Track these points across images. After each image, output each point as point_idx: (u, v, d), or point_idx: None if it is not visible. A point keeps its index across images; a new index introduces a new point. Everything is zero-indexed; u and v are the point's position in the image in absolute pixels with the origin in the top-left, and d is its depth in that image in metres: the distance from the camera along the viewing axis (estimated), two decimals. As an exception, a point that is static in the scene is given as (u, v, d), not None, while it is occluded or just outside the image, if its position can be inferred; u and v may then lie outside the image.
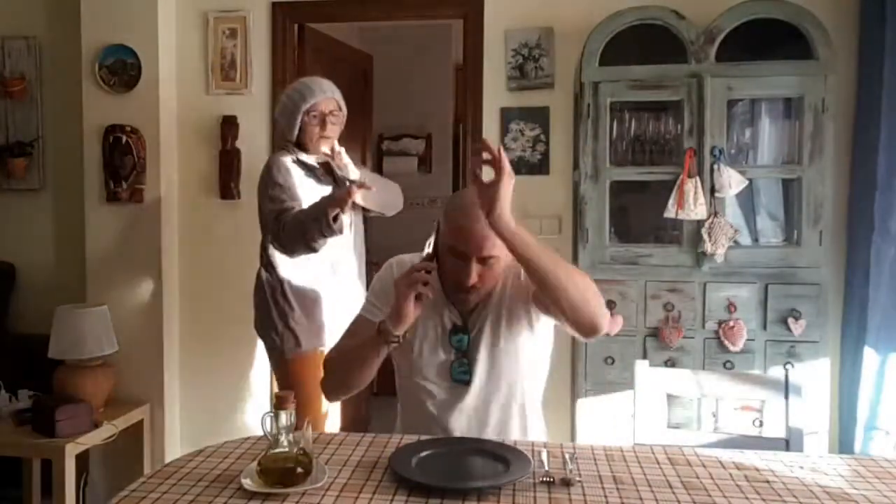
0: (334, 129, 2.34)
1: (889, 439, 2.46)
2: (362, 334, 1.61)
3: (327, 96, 2.32)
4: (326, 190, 2.31)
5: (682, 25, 2.49)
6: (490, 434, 1.59)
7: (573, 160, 2.82)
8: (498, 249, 1.51)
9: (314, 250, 2.20)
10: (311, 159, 2.36)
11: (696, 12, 2.51)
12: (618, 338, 2.49)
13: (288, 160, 2.34)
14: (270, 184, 2.29)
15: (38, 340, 2.73)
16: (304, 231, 2.16)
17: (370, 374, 1.60)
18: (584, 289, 1.43)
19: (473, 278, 1.53)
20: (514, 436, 1.61)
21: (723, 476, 1.33)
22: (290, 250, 2.26)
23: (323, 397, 1.76)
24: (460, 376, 1.61)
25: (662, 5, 2.52)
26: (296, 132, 2.34)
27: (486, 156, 1.36)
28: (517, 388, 1.63)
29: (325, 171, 2.37)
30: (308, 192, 2.31)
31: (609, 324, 1.53)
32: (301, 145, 2.37)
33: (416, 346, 1.63)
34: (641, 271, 2.51)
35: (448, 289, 1.61)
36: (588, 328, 1.46)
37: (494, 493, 1.22)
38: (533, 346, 1.64)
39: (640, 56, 2.50)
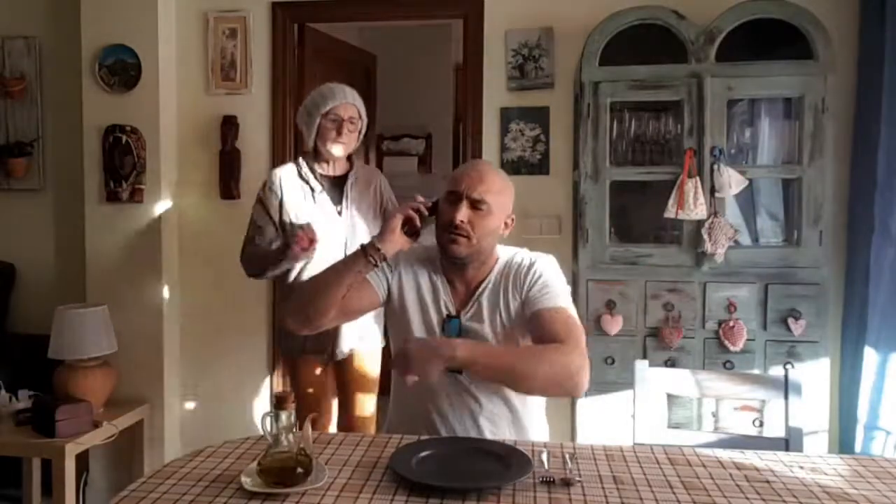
0: (351, 136, 2.33)
1: (889, 439, 2.46)
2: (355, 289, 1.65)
3: (347, 101, 2.32)
4: (322, 212, 2.33)
5: (682, 25, 2.48)
6: (483, 423, 1.59)
7: (573, 160, 2.82)
8: (491, 197, 1.60)
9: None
10: (319, 169, 2.36)
11: (696, 12, 2.51)
12: (618, 338, 2.50)
13: (285, 173, 2.35)
14: (257, 198, 2.38)
15: (38, 340, 2.73)
16: (259, 267, 2.33)
17: (338, 292, 1.59)
18: (553, 373, 1.43)
19: (462, 215, 1.58)
20: (504, 427, 1.61)
21: (723, 476, 1.33)
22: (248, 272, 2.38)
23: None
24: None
25: (662, 5, 2.52)
26: (313, 135, 2.33)
27: None
28: None
29: (332, 185, 2.37)
30: (299, 209, 2.32)
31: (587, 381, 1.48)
32: (318, 153, 2.37)
33: (412, 330, 1.64)
34: (641, 271, 2.51)
35: (441, 240, 1.63)
36: (567, 395, 1.50)
37: (494, 493, 1.22)
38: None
39: (640, 56, 2.50)
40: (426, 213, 1.65)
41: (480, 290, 1.65)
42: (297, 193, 2.34)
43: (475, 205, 1.59)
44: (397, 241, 1.62)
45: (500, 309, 1.63)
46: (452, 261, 1.64)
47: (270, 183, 2.35)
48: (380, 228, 1.66)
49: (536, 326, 1.55)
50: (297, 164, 2.38)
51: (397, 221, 1.61)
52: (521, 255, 1.69)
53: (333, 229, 2.33)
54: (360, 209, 2.40)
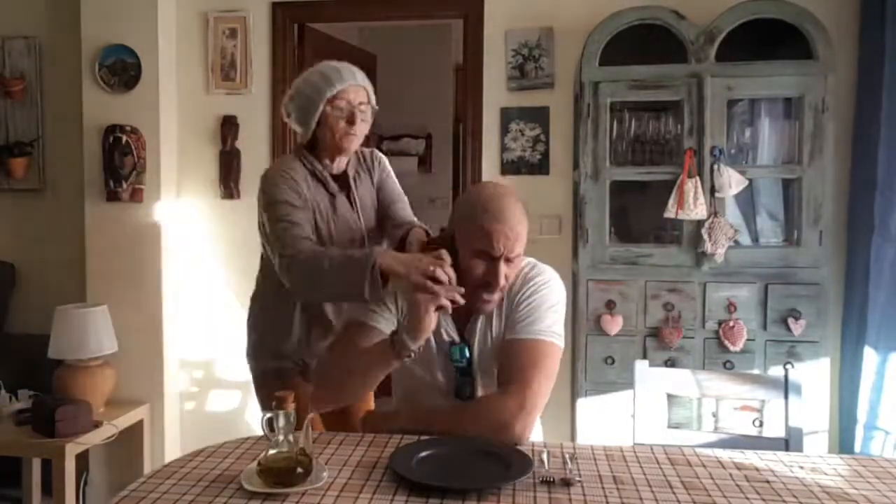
0: (363, 126, 1.86)
1: (889, 439, 2.45)
2: (363, 343, 1.52)
3: (358, 83, 1.85)
4: (344, 222, 1.86)
5: (682, 25, 2.49)
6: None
7: (573, 160, 2.82)
8: (520, 245, 1.49)
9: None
10: (324, 168, 1.87)
11: (696, 12, 2.51)
12: (618, 338, 2.50)
13: (298, 174, 1.82)
14: (269, 186, 1.79)
15: (38, 340, 2.73)
16: (343, 283, 1.61)
17: (370, 388, 1.55)
18: (482, 428, 1.40)
19: (503, 278, 1.47)
20: None
21: (723, 476, 1.32)
22: (298, 292, 1.75)
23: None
24: (463, 393, 1.56)
25: (662, 5, 2.52)
26: (312, 127, 1.83)
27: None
28: None
29: (341, 187, 1.90)
30: (327, 223, 1.85)
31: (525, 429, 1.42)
32: (315, 152, 1.88)
33: (414, 369, 1.56)
34: (641, 271, 2.51)
35: (472, 298, 1.48)
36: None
37: (494, 493, 1.21)
38: None
39: (640, 56, 2.50)
40: (461, 300, 1.42)
41: (480, 314, 1.56)
42: (323, 199, 1.85)
43: (510, 260, 1.49)
44: (431, 330, 1.43)
45: (492, 326, 1.56)
46: None
47: (290, 180, 1.79)
48: (409, 322, 1.42)
49: (503, 356, 1.49)
50: (305, 161, 1.85)
51: (430, 318, 1.40)
52: (523, 271, 1.58)
53: (354, 240, 1.89)
54: (365, 209, 1.95)
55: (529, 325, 1.50)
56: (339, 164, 1.91)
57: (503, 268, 1.47)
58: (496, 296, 1.51)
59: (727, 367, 2.44)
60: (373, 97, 1.91)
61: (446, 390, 1.57)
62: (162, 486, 1.25)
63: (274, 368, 1.93)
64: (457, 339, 1.56)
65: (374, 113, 1.92)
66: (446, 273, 1.42)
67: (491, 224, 1.46)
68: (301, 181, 1.81)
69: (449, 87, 4.93)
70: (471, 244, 1.49)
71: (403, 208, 2.01)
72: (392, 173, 2.06)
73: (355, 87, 1.84)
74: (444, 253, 1.47)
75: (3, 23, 3.14)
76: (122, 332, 2.79)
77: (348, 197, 1.91)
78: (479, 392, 1.56)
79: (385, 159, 2.05)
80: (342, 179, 1.91)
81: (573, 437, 2.57)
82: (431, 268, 1.42)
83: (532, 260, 1.62)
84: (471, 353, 1.55)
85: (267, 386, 1.91)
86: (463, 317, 1.56)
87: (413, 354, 1.43)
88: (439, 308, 1.41)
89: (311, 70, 1.87)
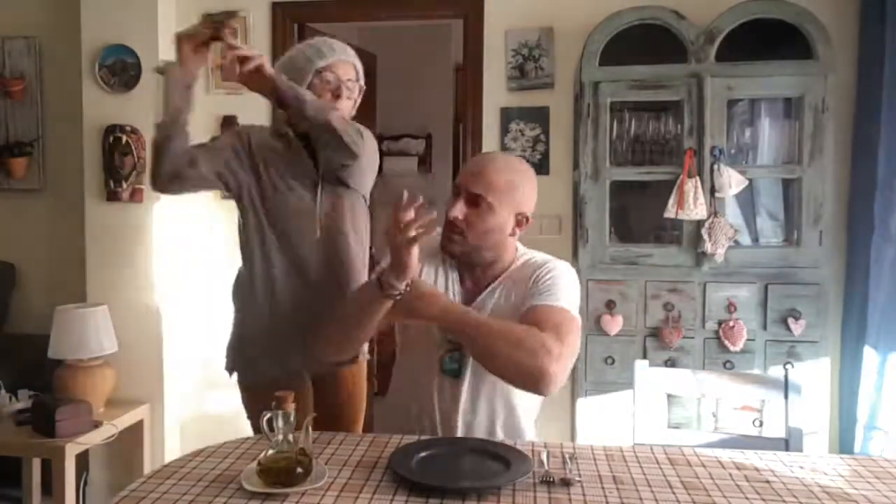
0: (348, 103, 1.86)
1: (888, 439, 2.46)
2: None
3: (348, 59, 1.85)
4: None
5: (682, 25, 2.49)
6: (480, 427, 1.56)
7: (573, 160, 2.82)
8: (492, 196, 1.51)
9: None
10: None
11: (696, 12, 2.51)
12: (618, 338, 2.50)
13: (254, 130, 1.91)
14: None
15: (38, 340, 2.73)
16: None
17: (370, 329, 1.56)
18: (516, 354, 1.37)
19: (457, 211, 1.51)
20: (500, 432, 1.57)
21: (723, 476, 1.32)
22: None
23: None
24: (451, 368, 1.56)
25: (662, 5, 2.52)
26: None
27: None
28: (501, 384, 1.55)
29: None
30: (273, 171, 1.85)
31: (556, 374, 1.39)
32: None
33: (411, 331, 1.61)
34: (641, 271, 2.51)
35: (441, 237, 1.56)
36: (533, 386, 1.40)
37: (494, 493, 1.22)
38: None
39: (640, 56, 2.51)
40: (433, 230, 1.44)
41: (491, 288, 1.57)
42: (274, 154, 1.86)
43: (473, 200, 1.51)
44: (414, 266, 1.44)
45: (506, 311, 1.54)
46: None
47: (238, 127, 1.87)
48: (391, 262, 1.45)
49: (529, 318, 1.46)
50: (273, 122, 1.90)
51: (409, 253, 1.41)
52: (540, 258, 1.60)
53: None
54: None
55: (555, 296, 1.49)
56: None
57: (460, 203, 1.52)
58: (456, 238, 1.54)
59: (727, 367, 2.44)
60: (362, 77, 1.90)
61: (437, 363, 1.57)
62: (162, 486, 1.25)
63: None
64: None
65: (362, 92, 1.91)
66: (413, 205, 1.43)
67: (468, 162, 1.63)
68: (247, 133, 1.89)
69: (449, 87, 4.93)
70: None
71: None
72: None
73: (345, 63, 1.85)
74: (405, 192, 1.46)
75: (3, 23, 3.14)
76: (122, 332, 2.79)
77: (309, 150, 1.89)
78: (468, 370, 1.55)
79: (369, 133, 1.96)
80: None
81: (573, 437, 2.57)
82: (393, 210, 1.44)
83: (550, 256, 1.63)
84: (462, 362, 1.55)
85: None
86: (472, 294, 1.58)
87: (401, 293, 1.45)
88: (414, 241, 1.40)
89: (305, 42, 1.90)
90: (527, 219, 1.58)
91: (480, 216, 1.52)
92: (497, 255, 1.59)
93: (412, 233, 1.39)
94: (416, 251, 1.42)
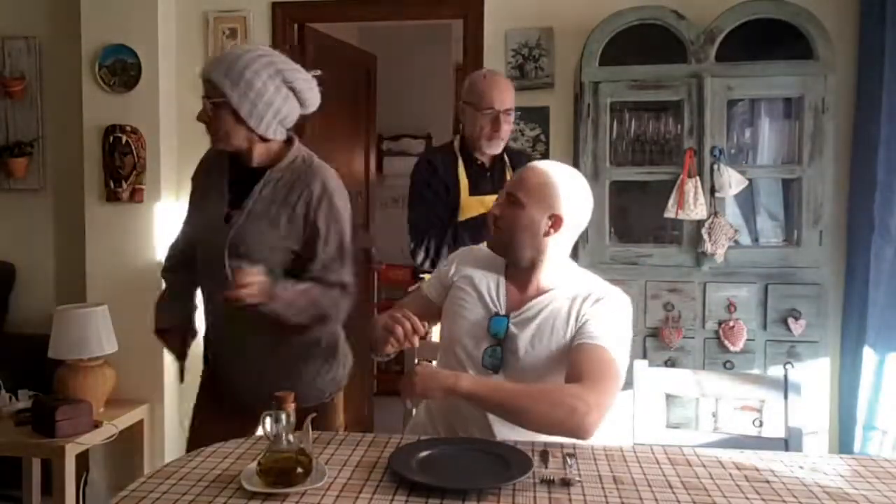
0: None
1: (888, 439, 2.46)
2: (413, 303, 1.73)
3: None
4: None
5: (682, 25, 2.49)
6: (496, 424, 1.55)
7: (573, 160, 2.81)
8: (522, 193, 1.58)
9: None
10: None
11: (696, 12, 2.51)
12: (618, 338, 2.49)
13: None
14: None
15: (38, 340, 2.73)
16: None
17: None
18: (553, 415, 1.39)
19: (495, 208, 1.62)
20: (514, 432, 1.57)
21: (723, 476, 1.32)
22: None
23: None
24: (491, 362, 1.58)
25: (662, 5, 2.52)
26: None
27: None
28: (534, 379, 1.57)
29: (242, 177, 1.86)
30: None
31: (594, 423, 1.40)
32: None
33: (458, 325, 1.64)
34: (641, 271, 2.51)
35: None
36: (572, 436, 1.42)
37: (494, 493, 1.22)
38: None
39: (640, 56, 2.51)
40: (422, 333, 1.50)
41: (536, 302, 1.59)
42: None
43: (509, 199, 1.60)
44: (384, 349, 1.54)
45: (546, 331, 1.56)
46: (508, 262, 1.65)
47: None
48: (371, 343, 1.59)
49: (571, 359, 1.49)
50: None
51: (383, 340, 1.52)
52: (597, 286, 1.62)
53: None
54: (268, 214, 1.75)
55: (603, 334, 1.50)
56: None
57: (501, 202, 1.62)
58: (496, 232, 1.63)
59: (727, 367, 2.44)
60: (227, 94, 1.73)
61: (479, 357, 1.59)
62: (162, 486, 1.25)
63: None
64: (503, 313, 1.60)
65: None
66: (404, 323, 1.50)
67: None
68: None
69: (449, 87, 4.93)
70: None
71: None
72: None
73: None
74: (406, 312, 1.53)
75: (3, 23, 3.14)
76: (122, 332, 2.79)
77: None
78: (505, 368, 1.56)
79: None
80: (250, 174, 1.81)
81: (573, 437, 2.57)
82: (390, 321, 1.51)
83: (606, 283, 1.66)
84: (507, 328, 1.58)
85: None
86: (518, 303, 1.61)
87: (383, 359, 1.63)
88: (390, 336, 1.50)
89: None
90: (558, 218, 1.57)
91: (512, 212, 1.59)
92: (536, 258, 1.60)
93: (397, 331, 1.49)
94: (387, 342, 1.51)
